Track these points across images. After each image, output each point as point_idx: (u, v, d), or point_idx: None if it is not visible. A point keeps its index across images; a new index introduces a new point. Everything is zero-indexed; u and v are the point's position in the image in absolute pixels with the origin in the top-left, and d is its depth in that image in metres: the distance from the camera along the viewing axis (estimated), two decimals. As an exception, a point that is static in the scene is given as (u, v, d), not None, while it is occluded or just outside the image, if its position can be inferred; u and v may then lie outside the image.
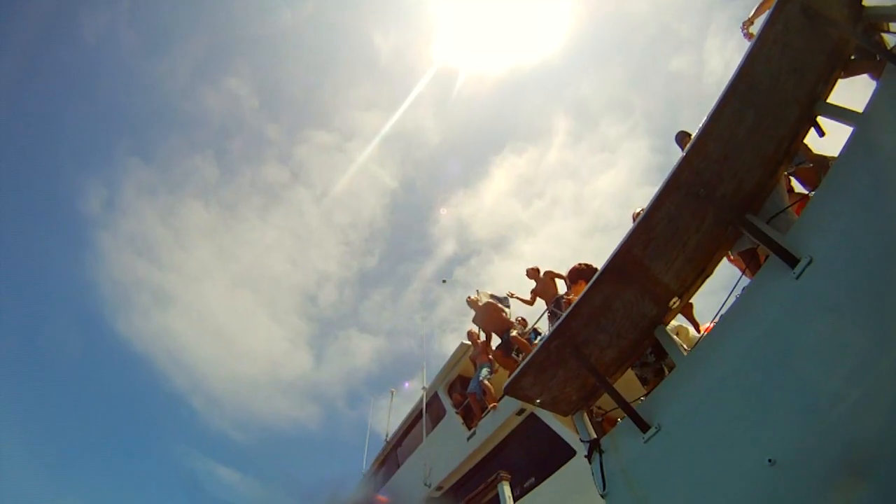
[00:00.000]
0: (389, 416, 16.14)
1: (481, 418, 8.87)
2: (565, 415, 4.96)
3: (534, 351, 4.40)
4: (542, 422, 7.19)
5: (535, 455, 7.26)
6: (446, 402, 10.91)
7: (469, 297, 10.65)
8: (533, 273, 9.36)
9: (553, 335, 4.22)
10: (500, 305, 10.12)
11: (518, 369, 4.47)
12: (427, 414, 11.76)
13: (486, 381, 9.21)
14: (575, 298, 4.66)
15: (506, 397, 8.38)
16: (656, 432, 3.74)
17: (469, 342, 10.70)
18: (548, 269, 9.15)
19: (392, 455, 13.67)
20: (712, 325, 4.13)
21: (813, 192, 3.63)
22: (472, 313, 10.20)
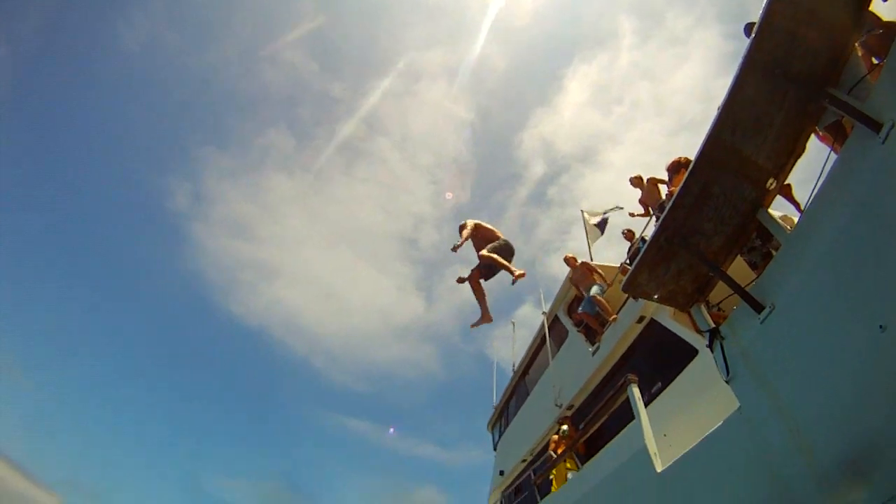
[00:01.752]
0: (514, 347, 16.67)
1: (602, 333, 8.98)
2: (683, 308, 5.01)
3: (644, 247, 4.47)
4: (662, 326, 7.18)
5: (658, 361, 7.29)
6: (567, 322, 11.09)
7: (566, 256, 11.06)
8: (637, 181, 9.30)
9: (660, 229, 4.27)
10: (592, 265, 10.62)
11: (633, 268, 4.58)
12: (550, 337, 12.03)
13: (599, 297, 9.36)
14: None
15: (623, 309, 8.45)
16: (770, 312, 3.70)
17: (570, 268, 10.87)
18: (650, 176, 9.02)
19: (521, 384, 14.20)
20: (805, 207, 4.05)
21: (886, 59, 3.42)
22: (572, 231, 10.49)
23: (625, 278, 4.70)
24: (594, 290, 9.66)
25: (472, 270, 7.40)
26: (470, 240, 7.66)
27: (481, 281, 7.50)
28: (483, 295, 7.44)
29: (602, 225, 12.46)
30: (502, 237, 7.67)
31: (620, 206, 12.32)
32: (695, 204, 4.08)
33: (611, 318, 8.72)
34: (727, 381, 4.13)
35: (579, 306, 10.13)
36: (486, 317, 7.45)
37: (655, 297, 4.72)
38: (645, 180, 9.13)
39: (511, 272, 6.93)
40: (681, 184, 4.15)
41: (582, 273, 10.36)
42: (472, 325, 7.50)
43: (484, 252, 7.24)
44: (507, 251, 7.44)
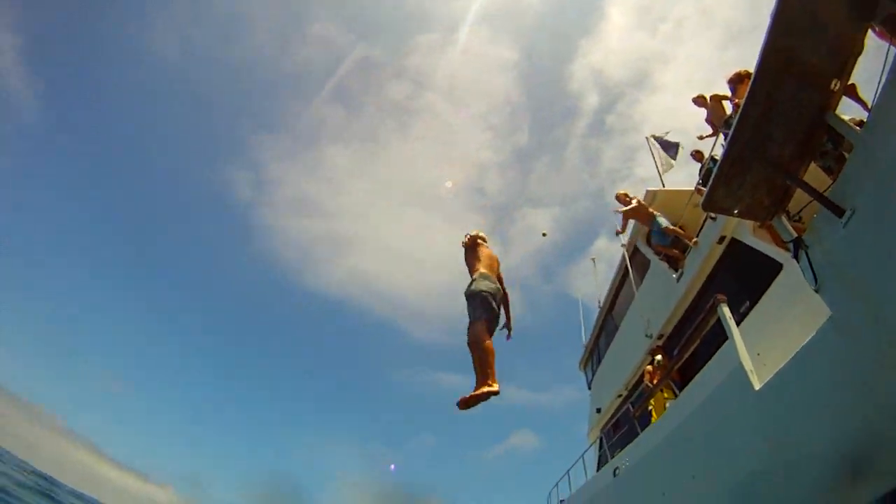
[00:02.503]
0: (597, 283, 16.63)
1: (684, 258, 8.88)
2: (763, 221, 4.96)
3: (718, 163, 4.45)
4: (744, 244, 7.06)
5: (744, 280, 7.17)
6: (648, 252, 10.98)
7: (617, 194, 10.81)
8: (701, 101, 9.04)
9: (731, 142, 4.23)
10: (643, 204, 10.33)
11: (709, 185, 4.57)
12: (632, 269, 11.96)
13: (670, 227, 9.29)
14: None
15: (702, 232, 8.31)
16: (852, 214, 3.62)
17: (623, 205, 10.72)
18: (713, 94, 8.72)
19: (608, 319, 14.22)
20: (873, 103, 3.94)
21: None
22: (638, 158, 10.29)
23: (703, 196, 4.69)
24: (661, 221, 9.60)
25: (472, 325, 5.00)
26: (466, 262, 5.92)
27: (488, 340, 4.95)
28: (489, 358, 4.84)
29: (673, 153, 12.10)
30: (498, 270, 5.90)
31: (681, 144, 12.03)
32: (762, 114, 4.00)
33: (691, 243, 8.61)
34: (816, 291, 4.07)
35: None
36: (486, 389, 4.67)
37: (735, 212, 4.69)
38: (708, 98, 8.85)
39: (509, 328, 5.79)
40: (745, 95, 4.08)
41: (638, 208, 10.23)
42: (463, 404, 4.61)
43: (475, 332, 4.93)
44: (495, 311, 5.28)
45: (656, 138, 12.44)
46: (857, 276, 3.70)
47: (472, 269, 5.72)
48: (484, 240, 6.18)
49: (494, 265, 5.88)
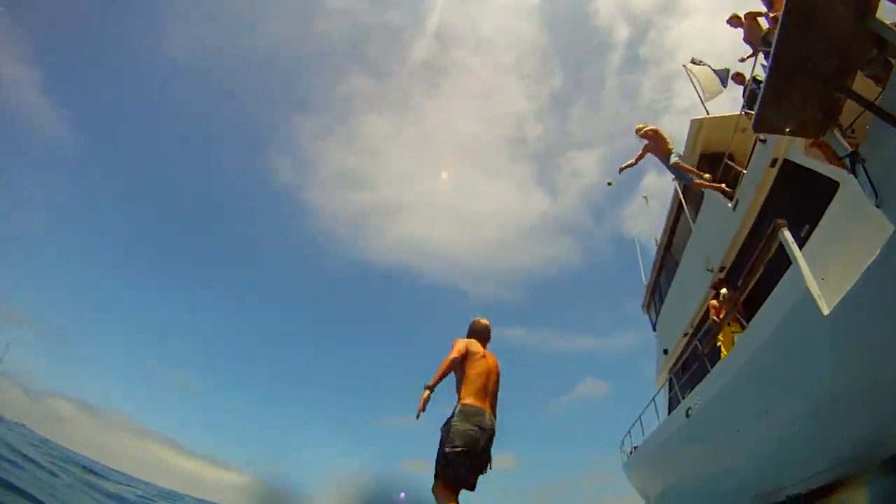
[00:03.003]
0: (652, 221, 16.24)
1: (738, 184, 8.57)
2: (817, 136, 4.75)
3: (764, 81, 4.28)
4: (797, 164, 6.73)
5: (801, 202, 6.85)
6: (699, 184, 10.61)
7: (636, 127, 10.15)
8: (735, 20, 8.64)
9: (774, 57, 4.07)
10: (662, 134, 9.75)
11: (758, 104, 4.44)
12: (687, 203, 11.61)
13: (679, 163, 9.44)
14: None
15: (753, 156, 7.97)
16: None
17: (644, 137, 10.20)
18: (747, 11, 8.24)
19: (667, 256, 13.90)
20: None
21: None
22: (675, 88, 9.99)
23: (753, 117, 4.53)
24: (672, 158, 9.34)
25: (434, 483, 4.15)
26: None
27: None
28: None
29: (723, 78, 11.47)
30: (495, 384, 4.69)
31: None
32: (801, 25, 3.82)
33: (695, 182, 8.59)
34: (877, 206, 3.86)
35: (710, 164, 9.74)
36: None
37: (787, 130, 4.55)
38: (743, 17, 8.39)
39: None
40: (781, 8, 3.91)
41: (654, 141, 9.81)
42: None
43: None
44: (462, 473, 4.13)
45: (695, 63, 11.84)
46: None
47: (457, 390, 4.57)
48: (483, 333, 5.08)
49: (489, 382, 4.64)
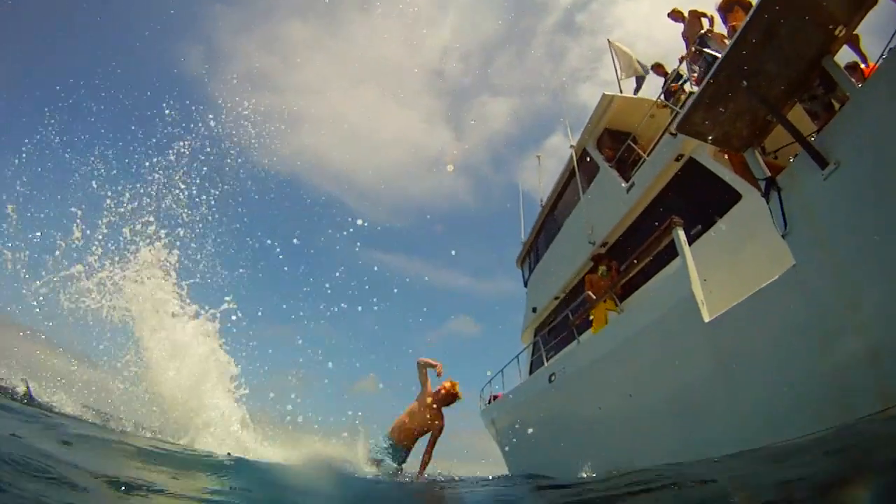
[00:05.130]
0: (540, 181, 16.64)
1: (637, 168, 8.90)
2: (737, 151, 4.94)
3: (702, 85, 4.31)
4: (703, 166, 7.06)
5: (697, 202, 7.26)
6: (598, 157, 10.90)
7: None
8: (676, 14, 8.62)
9: (721, 66, 4.08)
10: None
11: (689, 106, 4.47)
12: (580, 172, 11.93)
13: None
14: (738, 25, 4.62)
15: (659, 145, 8.26)
16: (835, 168, 3.58)
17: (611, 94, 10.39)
18: (691, 9, 8.30)
19: (550, 218, 14.33)
20: (881, 62, 3.89)
21: None
22: (604, 60, 9.88)
23: (680, 117, 4.61)
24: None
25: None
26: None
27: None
28: None
29: (644, 65, 11.70)
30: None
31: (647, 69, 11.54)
32: (759, 42, 3.85)
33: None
34: (784, 236, 4.11)
35: (612, 141, 9.95)
36: None
37: (710, 138, 4.65)
38: (686, 13, 8.45)
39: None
40: (746, 19, 3.90)
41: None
42: None
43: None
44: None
45: (620, 45, 12.05)
46: (829, 230, 3.73)
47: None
48: (451, 395, 6.95)
49: (405, 427, 6.82)
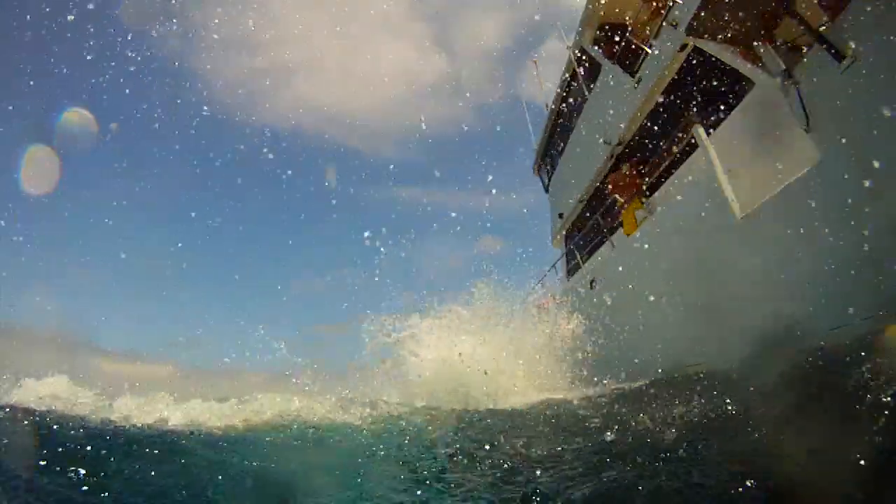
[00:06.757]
0: (542, 86, 16.37)
1: (640, 62, 8.78)
2: (745, 45, 4.87)
3: None
4: (709, 55, 6.97)
5: (708, 92, 7.21)
6: (597, 55, 10.72)
7: None
8: None
9: None
10: None
11: (697, 5, 4.37)
12: (583, 73, 11.76)
13: None
14: None
15: (662, 35, 8.10)
16: (852, 62, 3.61)
17: None
18: None
19: (560, 124, 14.22)
20: None
21: None
22: None
23: (687, 17, 4.49)
24: None
25: None
26: None
27: None
28: None
29: None
30: None
31: None
32: None
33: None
34: (805, 130, 4.18)
35: (612, 34, 9.75)
36: None
37: (719, 36, 4.57)
38: None
39: None
40: None
41: None
42: None
43: None
44: None
45: None
46: (850, 124, 3.79)
47: None
48: None
49: None
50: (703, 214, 6.06)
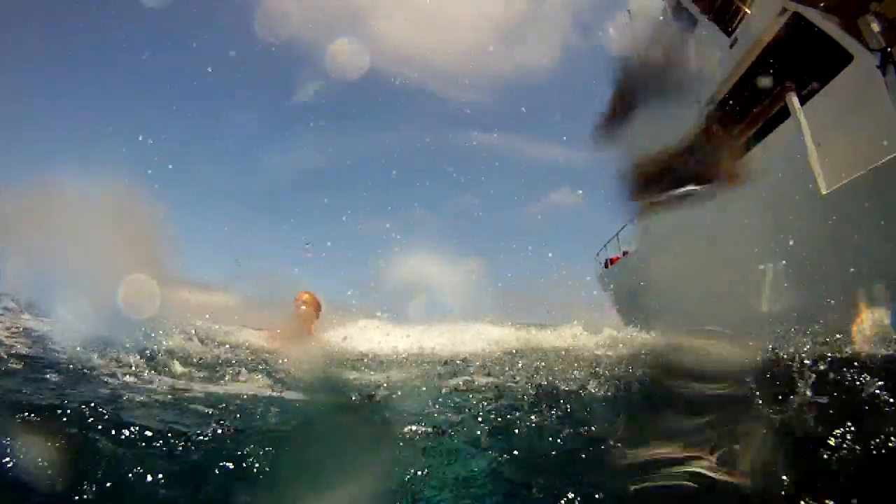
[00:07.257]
0: (635, 39, 15.93)
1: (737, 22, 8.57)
2: (850, 17, 4.79)
3: None
4: (811, 23, 6.78)
5: (804, 61, 7.03)
6: (693, 8, 10.45)
7: None
8: None
9: None
10: None
11: None
12: (677, 26, 11.48)
13: None
14: None
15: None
16: None
17: None
18: None
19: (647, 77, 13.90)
20: None
21: None
22: None
23: None
24: None
25: None
26: None
27: None
28: None
29: None
30: None
31: None
32: None
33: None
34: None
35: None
36: None
37: (822, 4, 4.50)
38: None
39: None
40: None
41: None
42: None
43: None
44: None
45: None
46: None
47: None
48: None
49: None
50: (788, 188, 6.08)
